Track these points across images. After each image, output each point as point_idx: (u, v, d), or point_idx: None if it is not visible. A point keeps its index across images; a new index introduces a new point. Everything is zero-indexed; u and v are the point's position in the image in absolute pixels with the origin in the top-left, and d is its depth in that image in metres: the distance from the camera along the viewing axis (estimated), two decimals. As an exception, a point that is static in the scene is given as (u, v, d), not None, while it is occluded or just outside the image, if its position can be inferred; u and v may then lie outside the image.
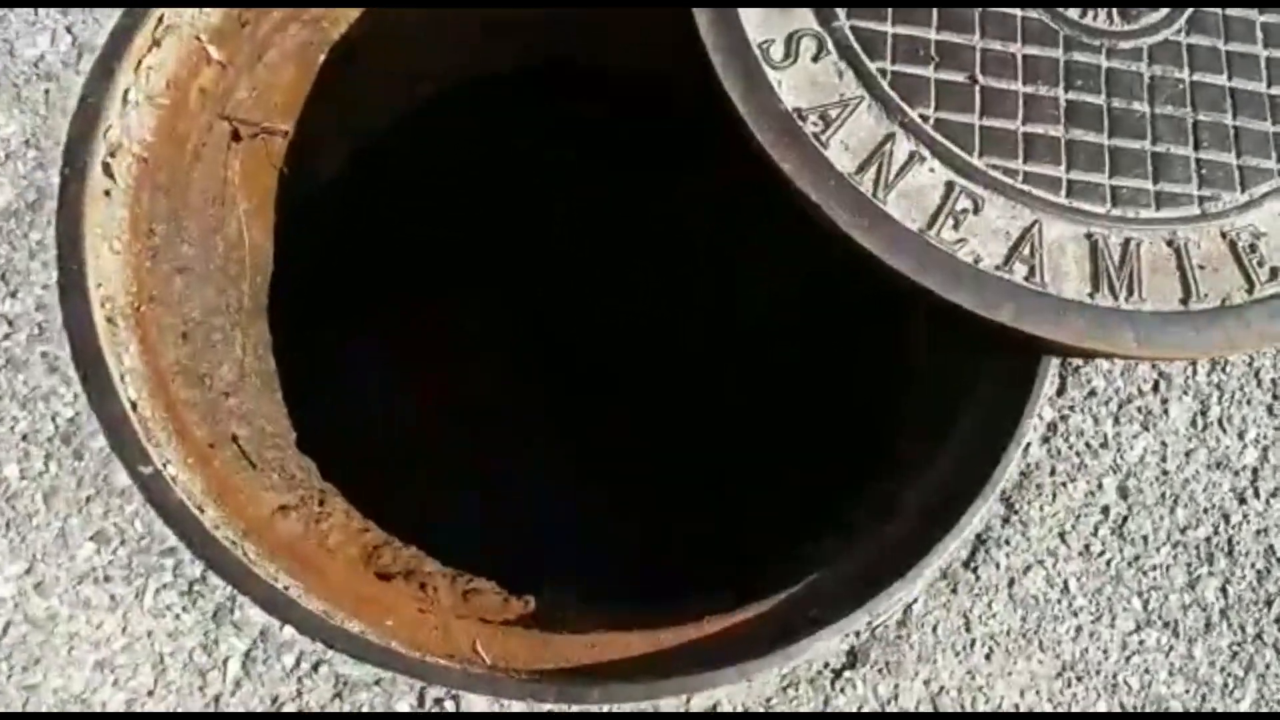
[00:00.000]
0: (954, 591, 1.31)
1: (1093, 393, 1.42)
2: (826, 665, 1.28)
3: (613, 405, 2.23)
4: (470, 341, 2.26)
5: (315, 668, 1.22)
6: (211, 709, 1.20)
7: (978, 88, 1.52)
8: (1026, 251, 1.41)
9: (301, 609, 1.24)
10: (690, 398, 2.20)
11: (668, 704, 1.24)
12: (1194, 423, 1.42)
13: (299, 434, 1.73)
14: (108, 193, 1.36)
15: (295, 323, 1.82)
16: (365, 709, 1.20)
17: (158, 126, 1.44)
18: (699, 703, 1.24)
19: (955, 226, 1.42)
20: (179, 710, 1.19)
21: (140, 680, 1.20)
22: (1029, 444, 1.38)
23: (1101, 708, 1.29)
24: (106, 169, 1.36)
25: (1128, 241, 1.44)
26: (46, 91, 1.38)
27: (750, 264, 2.20)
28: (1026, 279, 1.40)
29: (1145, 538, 1.36)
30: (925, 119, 1.48)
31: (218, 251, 1.57)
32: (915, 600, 1.30)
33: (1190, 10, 1.57)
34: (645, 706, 1.23)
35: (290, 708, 1.20)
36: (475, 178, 2.20)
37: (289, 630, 1.23)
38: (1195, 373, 1.45)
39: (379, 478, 2.08)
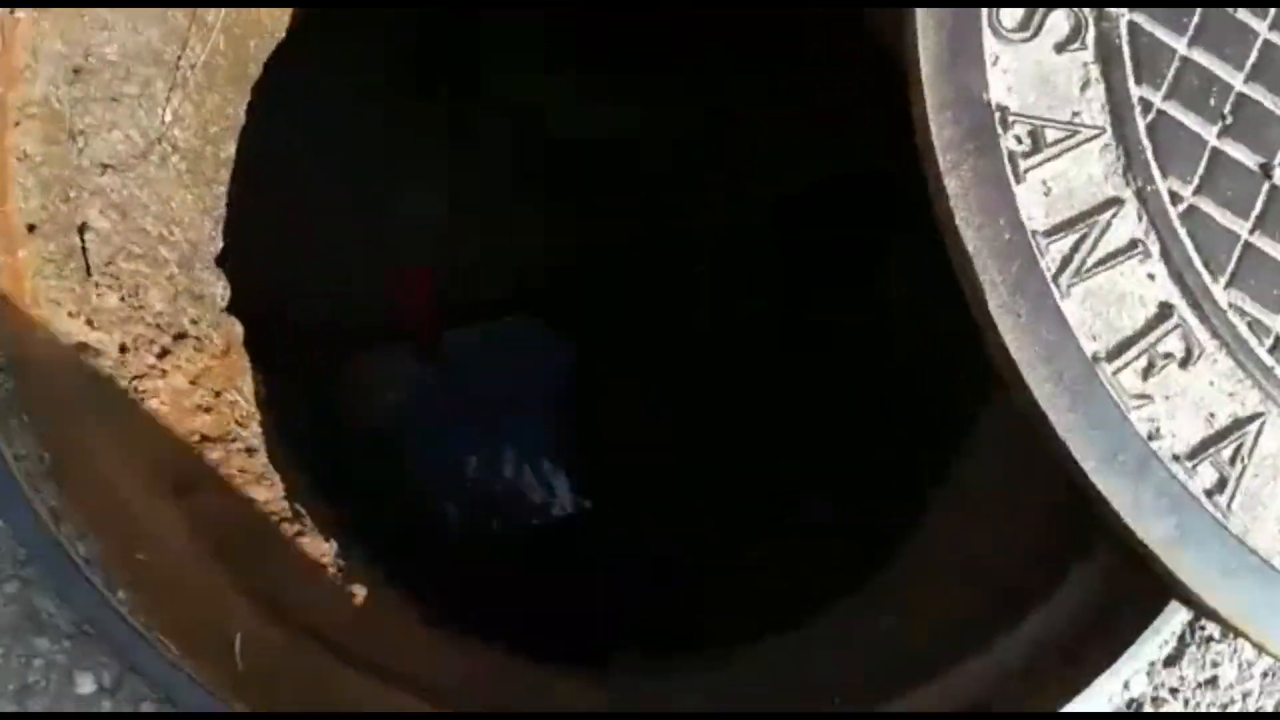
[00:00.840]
0: None
1: (1212, 682, 0.95)
2: None
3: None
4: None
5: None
6: None
7: (1268, 185, 1.01)
8: (1227, 454, 0.93)
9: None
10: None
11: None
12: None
13: (229, 246, 1.35)
14: None
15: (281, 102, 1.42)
16: (38, 661, 0.84)
17: None
18: None
19: (1145, 374, 0.94)
20: None
21: None
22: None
23: None
24: None
25: (1378, 497, 0.95)
26: None
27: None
28: (1209, 494, 0.92)
29: None
30: (1176, 199, 0.98)
31: (181, -26, 1.16)
32: None
33: None
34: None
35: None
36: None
37: (-2, 522, 0.87)
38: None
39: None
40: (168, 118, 1.21)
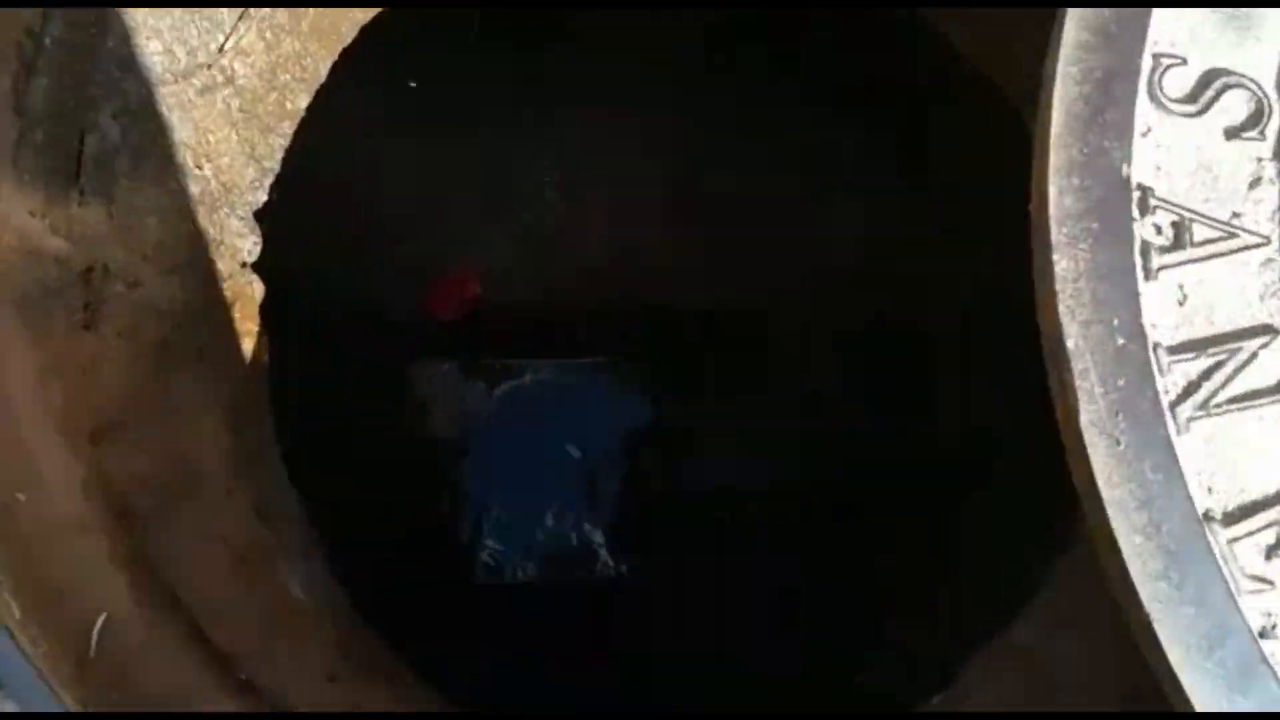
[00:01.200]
0: None
1: None
2: None
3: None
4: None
5: None
6: None
7: None
8: (1367, 677, 0.70)
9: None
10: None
11: None
12: None
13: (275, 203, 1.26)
14: None
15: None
16: None
17: None
18: None
19: (1270, 552, 0.72)
20: None
21: None
22: None
23: None
24: None
25: None
26: None
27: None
28: (1331, 721, 0.69)
29: None
30: (1350, 345, 0.77)
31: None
32: None
33: None
34: None
35: None
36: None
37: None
38: None
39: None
40: (227, 46, 1.13)
